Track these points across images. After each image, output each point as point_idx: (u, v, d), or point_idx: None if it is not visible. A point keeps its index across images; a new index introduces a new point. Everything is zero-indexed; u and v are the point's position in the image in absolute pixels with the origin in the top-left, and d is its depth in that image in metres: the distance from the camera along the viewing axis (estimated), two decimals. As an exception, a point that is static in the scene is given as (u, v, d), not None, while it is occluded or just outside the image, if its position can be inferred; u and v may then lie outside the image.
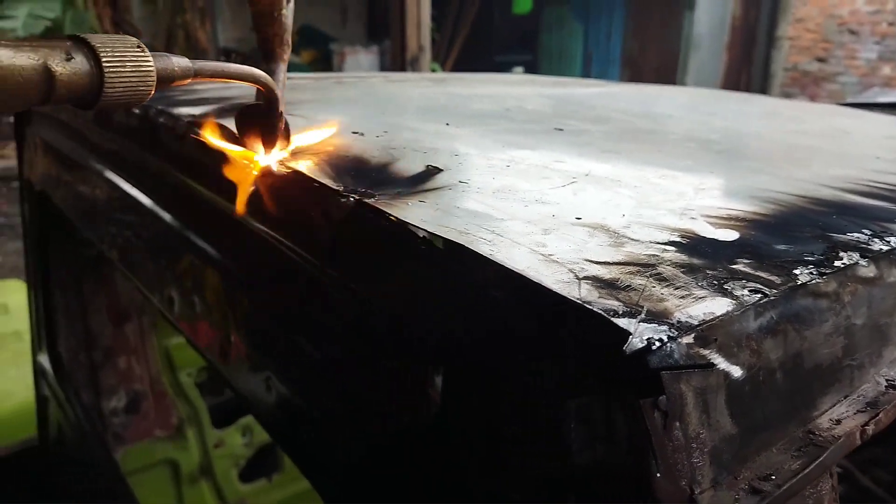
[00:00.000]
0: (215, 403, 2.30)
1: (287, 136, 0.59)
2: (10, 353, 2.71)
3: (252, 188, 0.59)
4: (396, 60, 4.61)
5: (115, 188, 0.90)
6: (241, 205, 0.59)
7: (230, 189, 0.64)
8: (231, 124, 0.66)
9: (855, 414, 0.41)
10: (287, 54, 0.61)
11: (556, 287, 0.36)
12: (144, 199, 0.82)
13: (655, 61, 9.34)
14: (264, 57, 0.61)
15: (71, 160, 1.10)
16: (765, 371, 0.37)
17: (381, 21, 9.77)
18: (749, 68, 8.92)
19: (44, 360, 1.79)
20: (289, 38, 0.61)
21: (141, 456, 2.10)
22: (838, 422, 0.40)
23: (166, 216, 0.76)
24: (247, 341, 0.63)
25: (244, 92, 0.91)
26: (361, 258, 0.49)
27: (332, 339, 0.51)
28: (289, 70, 0.65)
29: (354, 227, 0.49)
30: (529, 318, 0.36)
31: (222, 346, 0.68)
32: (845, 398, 0.42)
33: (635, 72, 9.55)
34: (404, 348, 0.44)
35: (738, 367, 0.36)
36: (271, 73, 0.61)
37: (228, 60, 1.16)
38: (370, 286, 0.47)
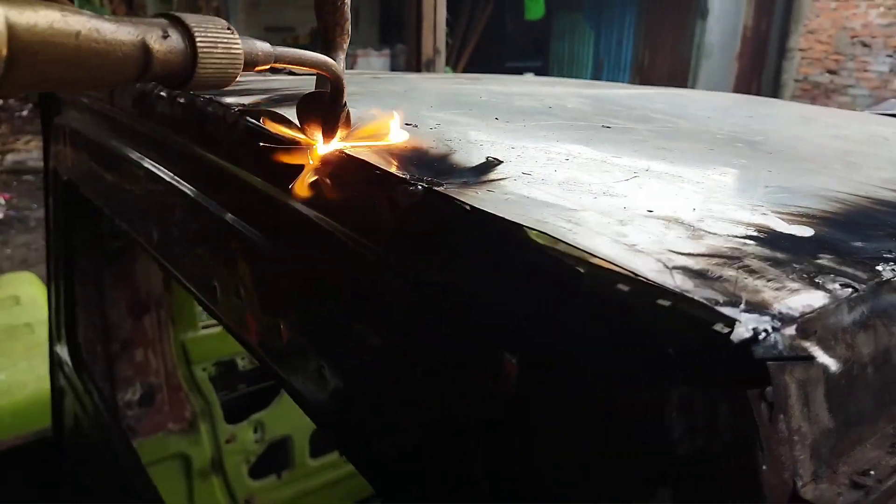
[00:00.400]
0: (228, 398, 2.30)
1: (348, 125, 0.59)
2: (21, 344, 2.72)
3: (311, 176, 0.58)
4: (411, 63, 4.61)
5: (155, 178, 0.89)
6: (299, 192, 0.59)
7: (283, 177, 0.64)
8: (284, 114, 0.65)
9: None
10: (346, 43, 0.61)
11: (651, 276, 0.35)
12: (187, 189, 0.81)
13: (666, 69, 9.34)
14: (325, 46, 0.60)
15: (105, 149, 1.10)
16: (858, 365, 0.37)
17: (392, 24, 9.78)
18: (760, 78, 8.92)
19: (61, 350, 1.79)
20: (349, 27, 0.61)
21: (153, 449, 2.09)
22: (926, 420, 0.40)
23: (211, 205, 0.76)
24: (299, 331, 0.63)
25: (287, 84, 0.91)
26: (430, 246, 0.48)
27: (394, 326, 0.51)
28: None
29: (422, 215, 0.48)
30: (625, 306, 0.35)
31: (270, 337, 0.67)
32: (929, 397, 0.42)
33: (645, 79, 9.55)
34: (477, 336, 0.43)
35: (835, 361, 0.35)
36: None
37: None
38: (439, 273, 0.47)
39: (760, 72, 8.91)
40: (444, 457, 0.47)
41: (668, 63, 9.35)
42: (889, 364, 0.39)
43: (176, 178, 0.84)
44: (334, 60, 0.60)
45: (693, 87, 8.65)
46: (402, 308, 0.50)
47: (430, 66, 4.59)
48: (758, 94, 8.82)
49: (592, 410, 0.36)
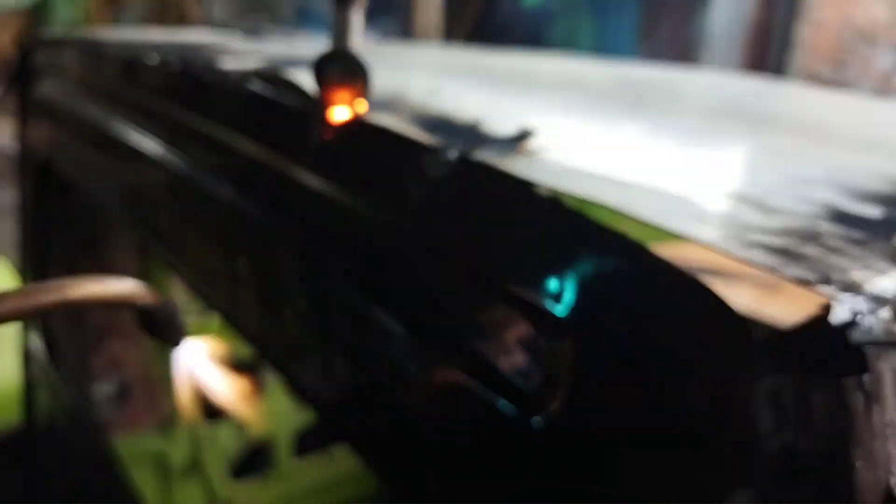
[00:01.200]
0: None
1: (365, 90, 0.55)
2: (-12, 335, 2.65)
3: (325, 144, 0.55)
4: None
5: (145, 153, 0.86)
6: (310, 163, 0.56)
7: (292, 147, 0.61)
8: (292, 77, 0.62)
9: None
10: None
11: (732, 252, 0.33)
12: (181, 164, 0.78)
13: (667, 58, 9.32)
14: (339, 2, 0.57)
15: (89, 125, 1.06)
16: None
17: (381, 6, 9.67)
18: (762, 70, 8.93)
19: (34, 341, 1.75)
20: None
21: (128, 448, 2.05)
22: None
23: (208, 180, 0.73)
24: (307, 319, 0.60)
25: (286, 49, 0.87)
26: (465, 219, 0.45)
27: (423, 310, 0.48)
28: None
29: (457, 186, 0.46)
30: (700, 285, 0.33)
31: (272, 325, 0.64)
32: None
33: (644, 70, 9.55)
34: (523, 317, 0.41)
35: (927, 348, 0.33)
36: (345, 21, 0.57)
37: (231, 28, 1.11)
38: (476, 248, 0.44)
39: (763, 64, 8.94)
40: (475, 454, 0.45)
41: (669, 52, 9.34)
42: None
43: (168, 152, 0.81)
44: (349, 15, 0.56)
45: (694, 77, 8.66)
46: (431, 290, 0.47)
47: (423, 50, 4.54)
48: (759, 87, 8.84)
49: (661, 404, 0.34)
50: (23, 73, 1.45)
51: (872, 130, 0.85)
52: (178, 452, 2.17)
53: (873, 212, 0.45)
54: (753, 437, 0.30)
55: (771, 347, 0.30)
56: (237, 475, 2.30)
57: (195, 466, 2.22)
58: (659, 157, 0.52)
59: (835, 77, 8.36)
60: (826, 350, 0.30)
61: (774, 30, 9.02)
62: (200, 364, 0.57)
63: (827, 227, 0.40)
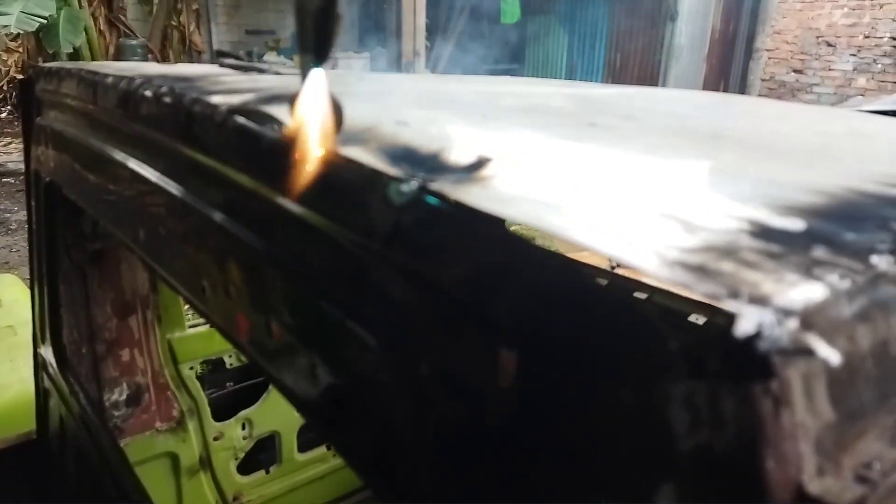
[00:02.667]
0: (216, 396, 2.27)
1: (339, 123, 0.57)
2: (4, 346, 2.64)
3: (301, 174, 0.56)
4: (392, 65, 4.59)
5: (141, 178, 0.87)
6: (290, 190, 0.57)
7: (273, 176, 0.62)
8: (273, 112, 0.64)
9: None
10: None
11: (651, 271, 0.34)
12: (174, 189, 0.79)
13: (637, 71, 9.41)
14: (302, 49, 0.58)
15: (89, 150, 1.07)
16: (857, 358, 0.36)
17: (371, 28, 9.73)
18: (727, 78, 9.01)
19: (46, 352, 1.75)
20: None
21: (141, 449, 2.05)
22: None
23: (199, 204, 0.74)
24: (290, 329, 0.61)
25: (275, 83, 0.88)
26: (425, 242, 0.47)
27: (390, 323, 0.49)
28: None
29: (417, 212, 0.47)
30: (624, 302, 0.34)
31: (260, 335, 0.66)
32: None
33: (617, 81, 9.63)
34: (474, 332, 0.42)
35: (836, 353, 0.34)
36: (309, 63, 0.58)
37: (223, 63, 1.13)
38: (435, 270, 0.46)
39: (728, 72, 9.00)
40: (437, 452, 0.46)
41: (638, 65, 9.42)
42: (888, 356, 0.38)
43: (162, 177, 0.82)
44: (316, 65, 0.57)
45: (663, 87, 8.73)
46: (397, 305, 0.49)
47: (409, 68, 4.57)
48: (726, 93, 8.91)
49: (593, 406, 0.35)
50: (27, 100, 1.45)
51: (816, 142, 0.87)
52: (188, 451, 2.17)
53: (795, 225, 0.46)
54: (671, 436, 0.31)
55: (683, 356, 0.31)
56: (244, 471, 2.31)
57: (205, 463, 2.23)
58: (601, 179, 0.53)
59: (798, 81, 8.44)
60: (733, 359, 0.31)
61: (738, 39, 9.10)
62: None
63: (747, 242, 0.41)
